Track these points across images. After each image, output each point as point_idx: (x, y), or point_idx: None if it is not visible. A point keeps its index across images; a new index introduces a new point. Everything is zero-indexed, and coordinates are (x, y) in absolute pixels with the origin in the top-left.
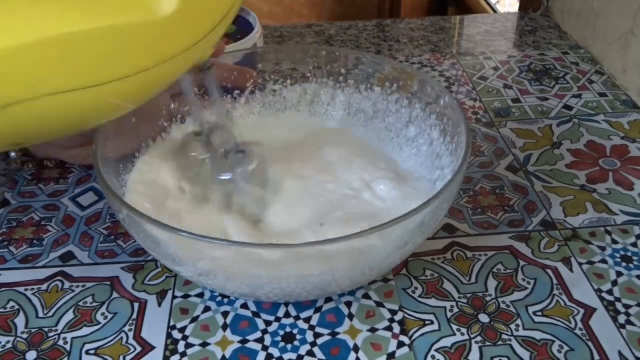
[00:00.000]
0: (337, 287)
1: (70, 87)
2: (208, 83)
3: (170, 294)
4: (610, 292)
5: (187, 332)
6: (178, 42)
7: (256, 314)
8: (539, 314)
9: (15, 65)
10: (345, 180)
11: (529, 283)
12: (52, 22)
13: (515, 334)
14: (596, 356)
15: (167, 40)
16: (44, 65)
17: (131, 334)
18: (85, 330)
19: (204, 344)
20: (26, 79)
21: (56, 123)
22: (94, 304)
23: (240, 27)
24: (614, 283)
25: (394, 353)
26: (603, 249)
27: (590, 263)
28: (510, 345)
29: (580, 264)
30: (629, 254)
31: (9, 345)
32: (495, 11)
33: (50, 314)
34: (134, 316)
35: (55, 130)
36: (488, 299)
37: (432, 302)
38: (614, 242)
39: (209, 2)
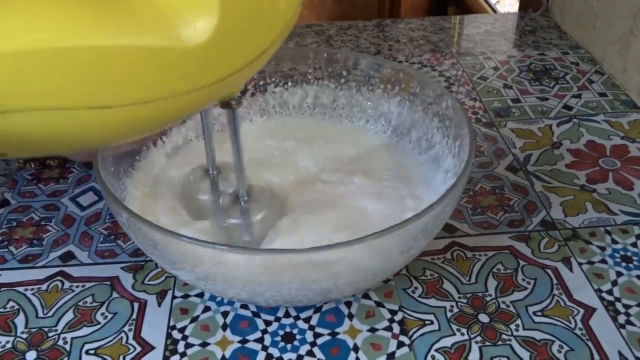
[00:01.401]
0: (339, 293)
1: (78, 105)
2: (230, 121)
3: (170, 294)
4: (610, 292)
5: (187, 332)
6: (208, 74)
7: (256, 314)
8: (539, 314)
9: (30, 69)
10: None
11: (529, 283)
12: (68, 32)
13: (515, 334)
14: (596, 356)
15: (194, 71)
16: (58, 76)
17: (131, 334)
18: (85, 330)
19: (204, 344)
20: (34, 86)
21: (56, 139)
22: (94, 304)
23: None
24: (614, 283)
25: (394, 353)
26: (603, 249)
27: (590, 263)
28: (510, 346)
29: (580, 264)
30: (629, 254)
31: (9, 346)
32: (495, 11)
33: (50, 314)
34: (134, 316)
35: (53, 147)
36: (488, 299)
37: (432, 302)
38: (614, 242)
39: (247, 36)
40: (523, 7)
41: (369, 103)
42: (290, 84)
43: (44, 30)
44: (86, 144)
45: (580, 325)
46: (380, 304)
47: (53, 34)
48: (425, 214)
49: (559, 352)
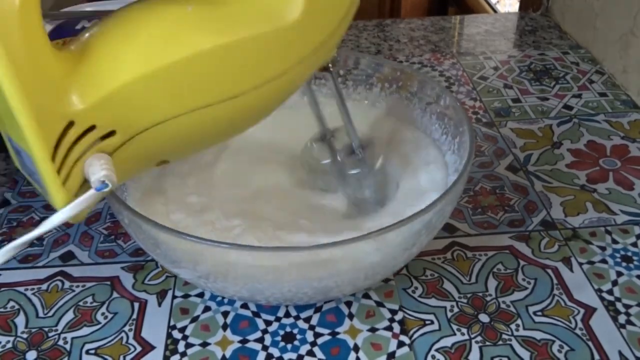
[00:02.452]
0: (338, 291)
1: (216, 100)
2: (332, 81)
3: (170, 293)
4: (610, 292)
5: (187, 332)
6: (307, 43)
7: (256, 314)
8: (539, 313)
9: (167, 83)
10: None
11: (529, 283)
12: (191, 41)
13: (516, 333)
14: (596, 356)
15: (297, 43)
16: (191, 81)
17: (131, 334)
18: (85, 330)
19: (204, 344)
20: (177, 95)
21: (202, 136)
22: (94, 304)
23: None
24: (614, 283)
25: (394, 353)
26: (603, 248)
27: (591, 263)
28: (510, 345)
29: (581, 264)
30: (629, 253)
31: (9, 345)
32: (495, 11)
33: (50, 313)
34: (134, 316)
35: (200, 144)
36: (488, 298)
37: (432, 301)
38: (614, 241)
39: (332, 1)
40: (523, 6)
41: (366, 102)
42: None
43: (170, 47)
44: (227, 134)
45: (580, 325)
46: (380, 304)
47: (178, 48)
48: (430, 209)
49: (559, 351)
